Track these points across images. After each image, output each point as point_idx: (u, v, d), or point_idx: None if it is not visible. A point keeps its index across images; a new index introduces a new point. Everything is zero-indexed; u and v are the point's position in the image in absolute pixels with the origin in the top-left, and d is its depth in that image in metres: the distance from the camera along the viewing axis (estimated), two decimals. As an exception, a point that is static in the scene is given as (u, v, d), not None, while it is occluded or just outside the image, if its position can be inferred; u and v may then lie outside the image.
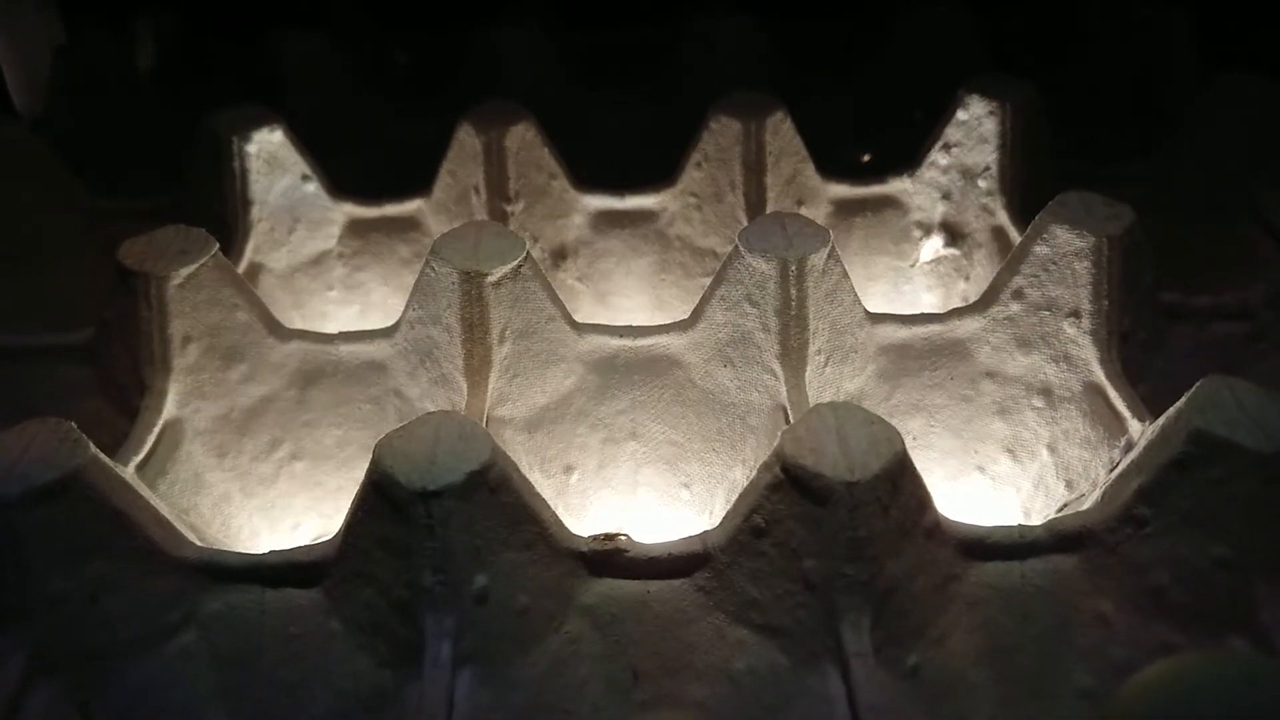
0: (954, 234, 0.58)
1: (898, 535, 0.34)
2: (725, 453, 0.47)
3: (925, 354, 0.47)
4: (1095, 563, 0.37)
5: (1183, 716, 0.25)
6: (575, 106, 0.68)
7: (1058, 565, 0.37)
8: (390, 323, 0.48)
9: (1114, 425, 0.43)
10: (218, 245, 0.46)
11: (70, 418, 0.37)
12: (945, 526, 0.36)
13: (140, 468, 0.41)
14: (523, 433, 0.46)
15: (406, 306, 0.47)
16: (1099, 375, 0.44)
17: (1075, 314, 0.45)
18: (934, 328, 0.47)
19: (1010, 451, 0.48)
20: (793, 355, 0.44)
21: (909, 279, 0.60)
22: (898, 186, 0.58)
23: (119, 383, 0.46)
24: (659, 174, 0.59)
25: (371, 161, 0.65)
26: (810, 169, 0.57)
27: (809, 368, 0.44)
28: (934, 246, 0.58)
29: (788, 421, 0.42)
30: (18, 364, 0.48)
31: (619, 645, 0.36)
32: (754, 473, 0.36)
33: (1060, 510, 0.44)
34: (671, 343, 0.47)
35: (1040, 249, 0.45)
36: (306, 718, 0.36)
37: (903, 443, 0.34)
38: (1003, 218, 0.55)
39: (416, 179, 0.58)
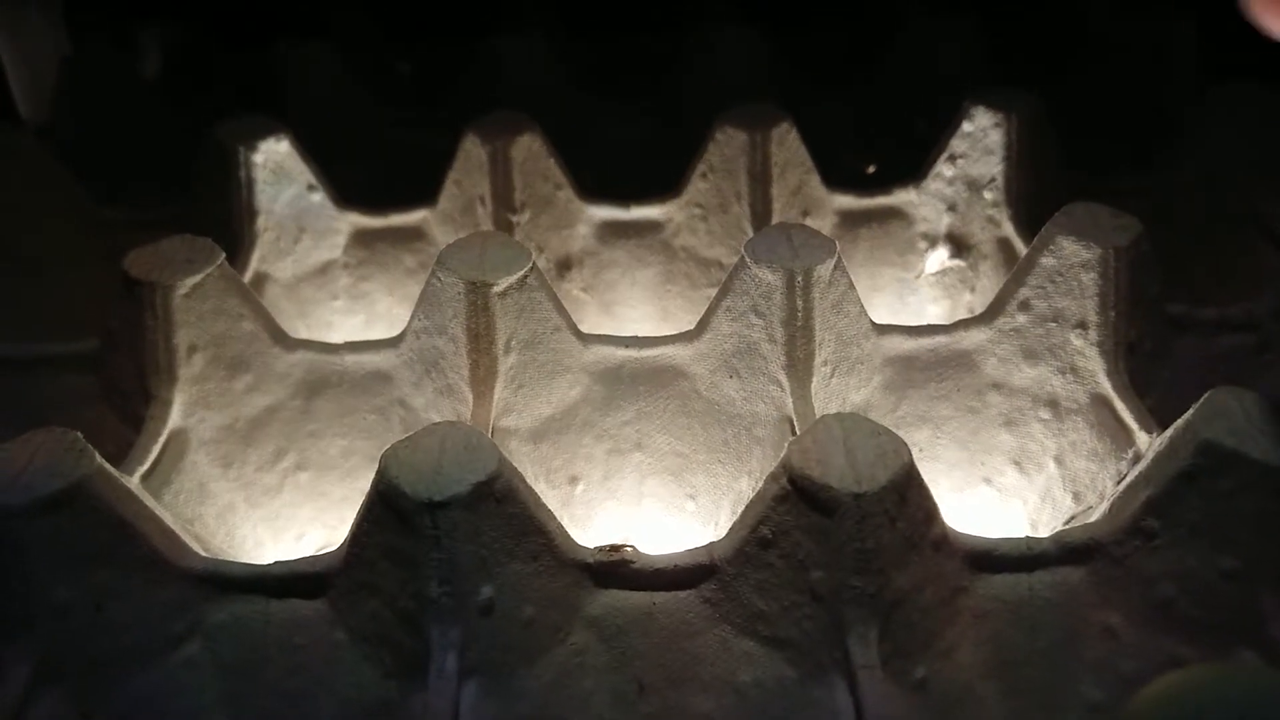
0: (959, 245, 0.58)
1: (905, 547, 0.34)
2: (731, 464, 0.47)
3: (931, 365, 0.47)
4: (1103, 575, 0.36)
5: (1193, 730, 0.25)
6: (580, 117, 0.69)
7: (1065, 577, 0.37)
8: (395, 333, 0.48)
9: (1121, 437, 0.43)
10: (224, 255, 0.46)
11: (75, 427, 0.37)
12: (952, 538, 0.36)
13: (145, 478, 0.41)
14: (528, 443, 0.46)
15: (412, 317, 0.47)
16: (1106, 387, 0.44)
17: (1082, 325, 0.45)
18: (940, 339, 0.47)
19: (1017, 463, 0.48)
20: (799, 366, 0.44)
21: (914, 290, 0.60)
22: (903, 198, 0.58)
23: (124, 392, 0.46)
24: (664, 184, 0.59)
25: (377, 171, 0.65)
26: (815, 180, 0.57)
27: (815, 379, 0.44)
28: (939, 258, 0.58)
29: (794, 433, 0.42)
30: (23, 373, 0.48)
31: (624, 657, 0.36)
32: (760, 484, 0.36)
33: (1068, 522, 0.44)
34: (677, 353, 0.47)
35: (1046, 260, 0.45)
36: (311, 729, 0.36)
37: (910, 454, 0.34)
38: (1008, 229, 0.55)
39: (422, 189, 0.58)
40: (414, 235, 0.59)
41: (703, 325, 0.46)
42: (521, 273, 0.44)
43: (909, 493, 0.34)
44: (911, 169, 0.58)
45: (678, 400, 0.47)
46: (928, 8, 0.71)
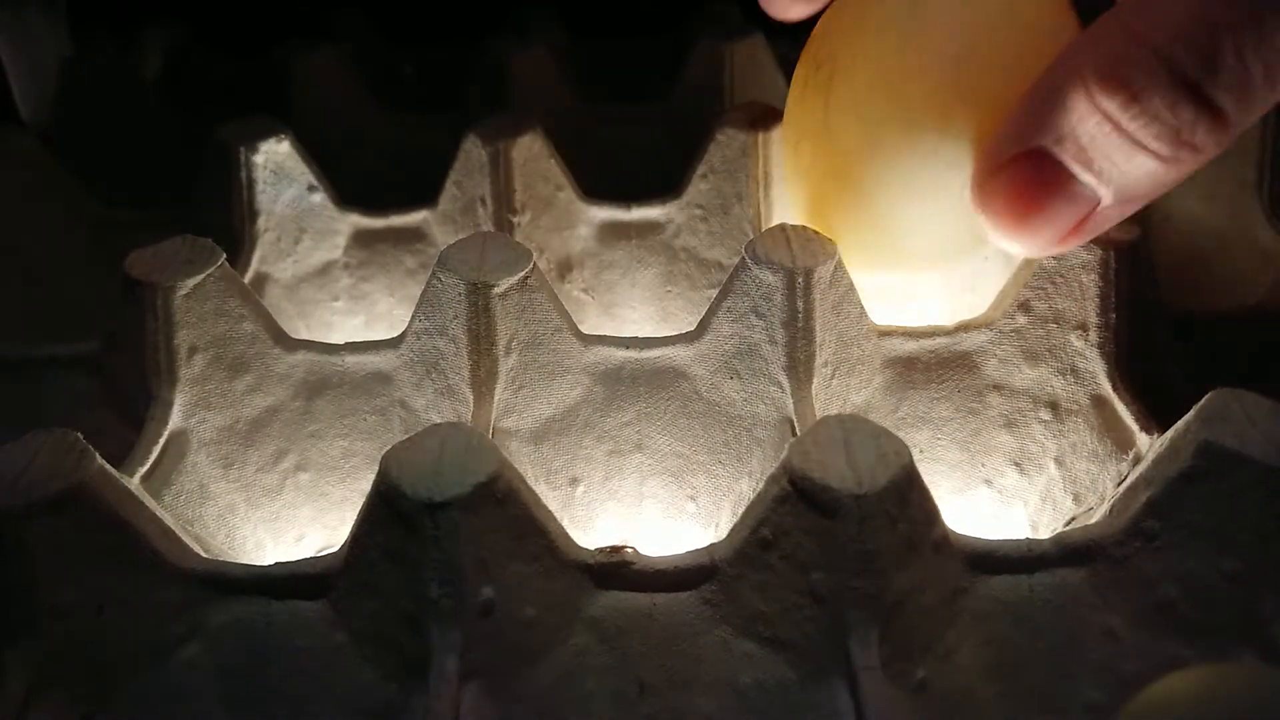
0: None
1: (906, 548, 0.34)
2: (731, 465, 0.47)
3: (932, 366, 0.47)
4: (1103, 576, 0.36)
5: (1194, 732, 0.25)
6: (580, 118, 0.69)
7: (1066, 579, 0.37)
8: (396, 334, 0.48)
9: (1122, 438, 0.43)
10: (224, 255, 0.46)
11: (76, 429, 0.37)
12: (953, 539, 0.36)
13: (145, 479, 0.41)
14: (528, 444, 0.46)
15: (412, 318, 0.47)
16: (1106, 388, 0.44)
17: (1082, 327, 0.45)
18: (941, 340, 0.47)
19: (1017, 464, 0.48)
20: (799, 367, 0.44)
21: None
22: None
23: (125, 393, 0.46)
24: (665, 186, 0.59)
25: (377, 172, 0.65)
26: (816, 181, 0.57)
27: (816, 380, 0.44)
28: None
29: (794, 434, 0.42)
30: (23, 374, 0.48)
31: (625, 658, 0.36)
32: (761, 485, 0.36)
33: (1068, 524, 0.44)
34: (677, 354, 0.47)
35: (1047, 262, 0.45)
36: (312, 730, 0.36)
37: (910, 455, 0.34)
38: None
39: (422, 190, 0.58)
40: (414, 236, 0.59)
41: (703, 326, 0.46)
42: (522, 274, 0.44)
43: (910, 494, 0.34)
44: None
45: (678, 401, 0.47)
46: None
